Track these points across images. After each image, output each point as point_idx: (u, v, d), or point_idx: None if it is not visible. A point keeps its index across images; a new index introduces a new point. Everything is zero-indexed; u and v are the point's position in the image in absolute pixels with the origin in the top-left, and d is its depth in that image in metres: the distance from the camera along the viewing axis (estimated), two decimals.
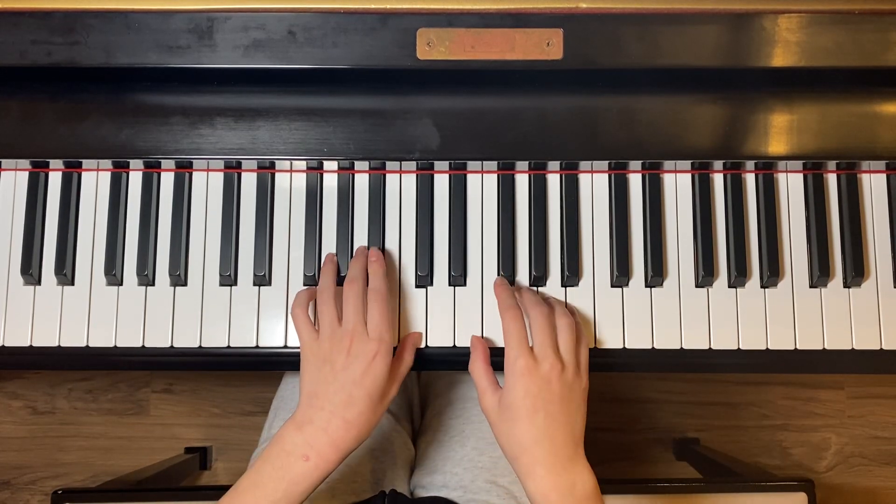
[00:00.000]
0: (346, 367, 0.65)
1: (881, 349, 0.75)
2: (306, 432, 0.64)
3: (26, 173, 0.76)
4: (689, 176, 0.77)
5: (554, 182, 0.77)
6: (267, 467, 0.65)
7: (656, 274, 0.75)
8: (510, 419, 0.64)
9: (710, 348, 0.75)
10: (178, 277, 0.74)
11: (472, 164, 0.75)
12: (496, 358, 0.70)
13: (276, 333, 0.74)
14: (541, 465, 0.62)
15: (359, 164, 0.75)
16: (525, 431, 0.63)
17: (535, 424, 0.63)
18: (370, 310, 0.68)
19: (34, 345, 0.74)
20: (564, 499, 0.62)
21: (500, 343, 0.73)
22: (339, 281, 0.72)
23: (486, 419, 0.68)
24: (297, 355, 0.74)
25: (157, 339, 0.74)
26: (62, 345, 0.74)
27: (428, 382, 0.97)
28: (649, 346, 0.74)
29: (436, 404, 0.93)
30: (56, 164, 0.76)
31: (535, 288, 0.75)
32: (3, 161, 0.76)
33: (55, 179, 0.76)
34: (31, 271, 0.74)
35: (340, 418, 0.64)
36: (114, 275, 0.74)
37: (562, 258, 0.75)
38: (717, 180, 0.77)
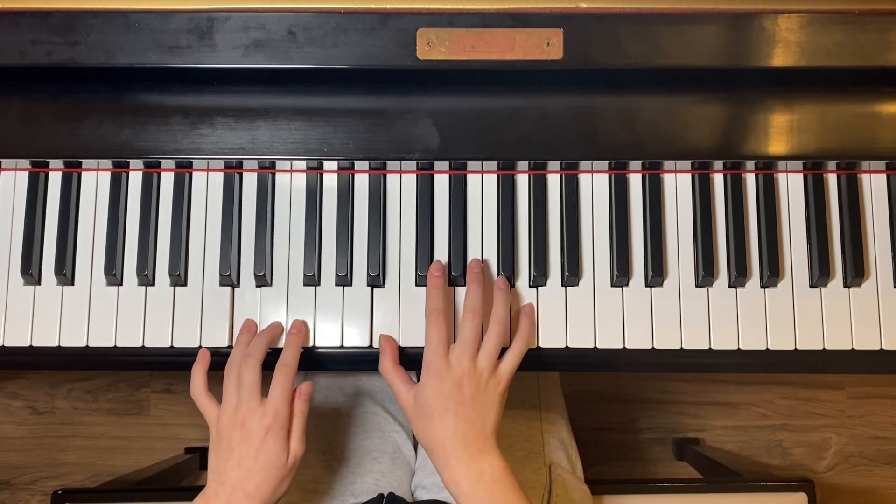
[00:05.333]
0: (241, 444, 0.67)
1: (881, 349, 0.75)
2: None
3: (26, 173, 0.76)
4: (689, 176, 0.77)
5: (554, 182, 0.77)
6: None
7: (656, 274, 0.74)
8: (424, 417, 0.68)
9: (710, 348, 0.74)
10: (178, 277, 0.74)
11: (472, 164, 0.75)
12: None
13: None
14: (452, 457, 0.67)
15: (359, 164, 0.75)
16: (437, 429, 0.67)
17: (445, 423, 0.67)
18: (273, 384, 0.69)
19: (34, 345, 0.74)
20: (473, 485, 0.66)
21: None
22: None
23: (405, 414, 0.71)
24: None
25: (157, 339, 0.74)
26: (62, 345, 0.74)
27: None
28: (649, 346, 0.74)
29: None
30: (56, 164, 0.76)
31: (536, 288, 0.75)
32: (3, 161, 0.76)
33: (55, 179, 0.76)
34: (31, 271, 0.74)
35: (241, 491, 0.66)
36: (114, 275, 0.74)
37: (562, 258, 0.75)
38: (717, 180, 0.77)
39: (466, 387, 0.67)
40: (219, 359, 0.74)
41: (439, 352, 0.68)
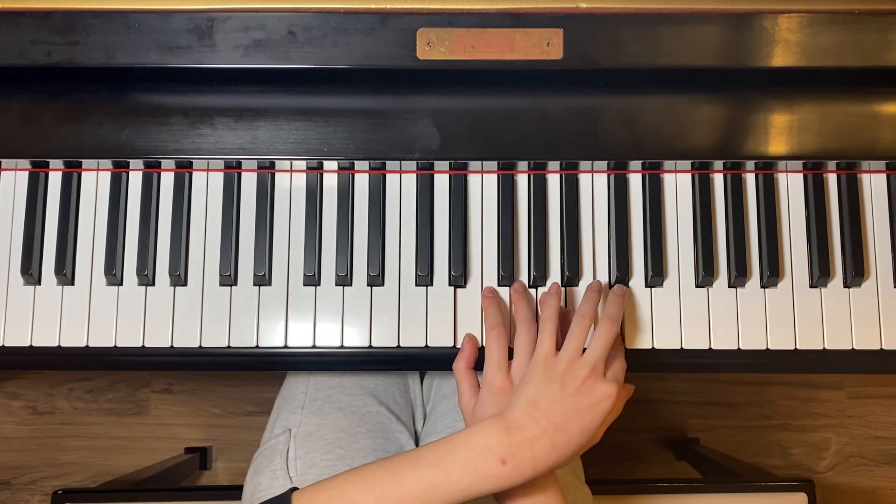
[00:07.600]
0: (576, 395, 0.66)
1: (881, 349, 0.75)
2: (514, 437, 0.64)
3: (26, 173, 0.76)
4: (689, 176, 0.77)
5: (554, 182, 0.77)
6: (459, 452, 0.63)
7: (656, 274, 0.75)
8: None
9: (710, 348, 0.74)
10: (178, 277, 0.74)
11: (472, 164, 0.75)
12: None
13: (275, 334, 0.74)
14: None
15: (359, 164, 0.75)
16: None
17: None
18: (612, 358, 0.69)
19: (34, 345, 0.74)
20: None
21: None
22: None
23: (462, 416, 0.71)
24: (297, 355, 0.74)
25: (157, 339, 0.74)
26: (62, 345, 0.74)
27: (432, 385, 0.97)
28: (649, 346, 0.74)
29: (442, 406, 0.93)
30: (56, 164, 0.76)
31: (536, 288, 0.75)
32: (3, 161, 0.76)
33: (55, 179, 0.76)
34: (31, 271, 0.74)
35: (549, 439, 0.64)
36: (114, 275, 0.74)
37: (562, 258, 0.75)
38: (717, 180, 0.77)
39: None
40: (217, 359, 0.75)
41: (501, 369, 0.68)
